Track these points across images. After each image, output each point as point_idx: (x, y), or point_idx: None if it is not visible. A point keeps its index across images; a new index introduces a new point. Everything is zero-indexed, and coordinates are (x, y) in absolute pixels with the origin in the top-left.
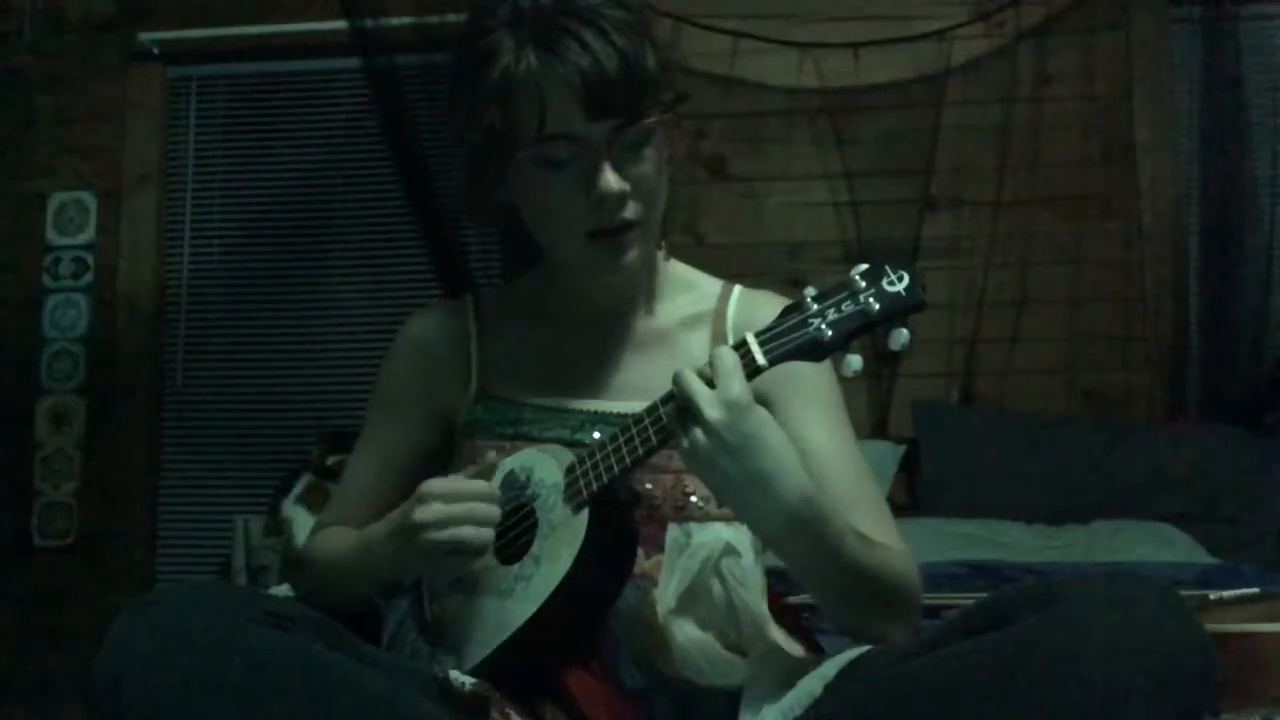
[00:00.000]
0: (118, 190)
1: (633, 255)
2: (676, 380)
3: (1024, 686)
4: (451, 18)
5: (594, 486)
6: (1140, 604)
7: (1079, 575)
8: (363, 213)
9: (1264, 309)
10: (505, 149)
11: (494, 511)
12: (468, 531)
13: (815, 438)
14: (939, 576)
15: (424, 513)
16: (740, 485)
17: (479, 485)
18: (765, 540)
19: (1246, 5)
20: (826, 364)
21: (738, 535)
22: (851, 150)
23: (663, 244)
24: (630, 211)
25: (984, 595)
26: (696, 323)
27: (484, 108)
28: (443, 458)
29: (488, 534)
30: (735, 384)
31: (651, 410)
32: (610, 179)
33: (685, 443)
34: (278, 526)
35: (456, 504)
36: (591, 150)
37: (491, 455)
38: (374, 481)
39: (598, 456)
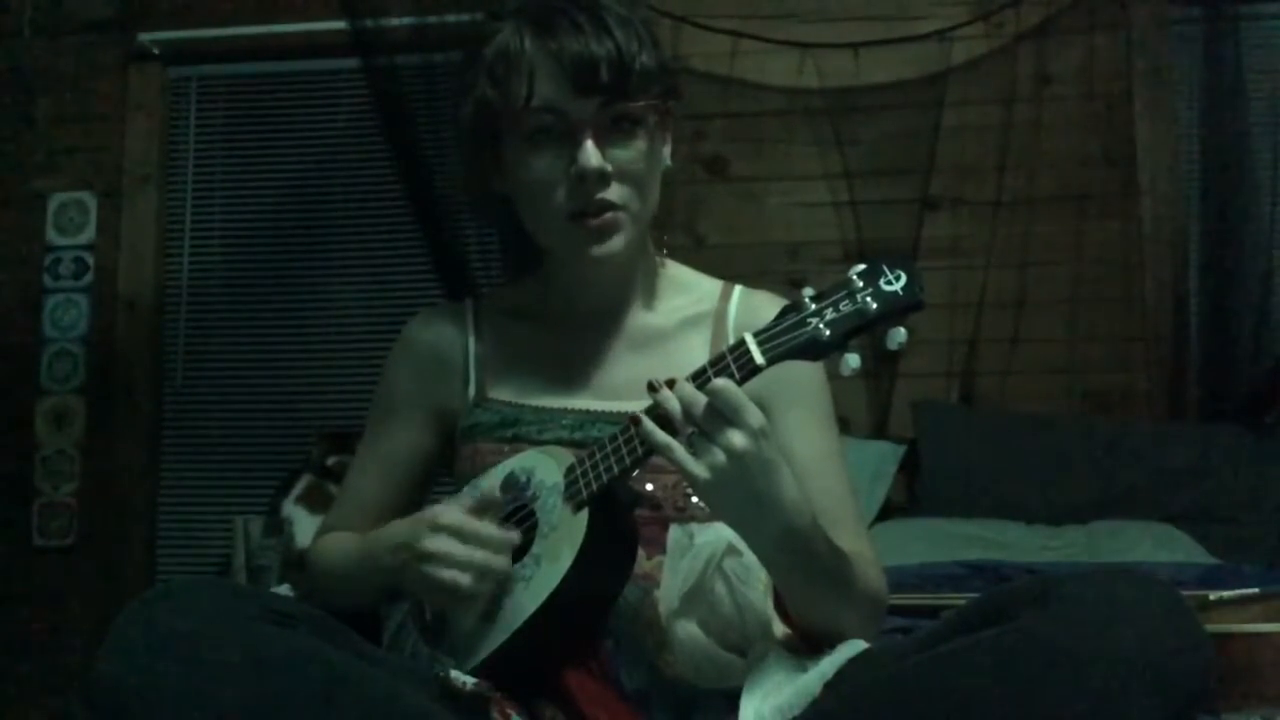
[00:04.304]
0: (118, 190)
1: (615, 243)
2: (717, 394)
3: (1022, 683)
4: (451, 18)
5: (594, 487)
6: (1137, 601)
7: (1076, 573)
8: (363, 213)
9: (1264, 309)
10: (496, 123)
11: (500, 564)
12: (464, 579)
13: (804, 448)
14: (939, 576)
15: (434, 543)
16: (748, 506)
17: (492, 534)
18: (758, 553)
19: (1246, 5)
20: (822, 372)
21: None
22: (851, 150)
23: (663, 250)
24: (612, 194)
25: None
26: (697, 323)
27: (477, 82)
28: (444, 460)
29: (485, 586)
30: (755, 411)
31: (651, 410)
32: (590, 155)
33: (702, 467)
34: (278, 526)
35: (469, 548)
36: (575, 126)
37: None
38: (376, 485)
39: (597, 457)
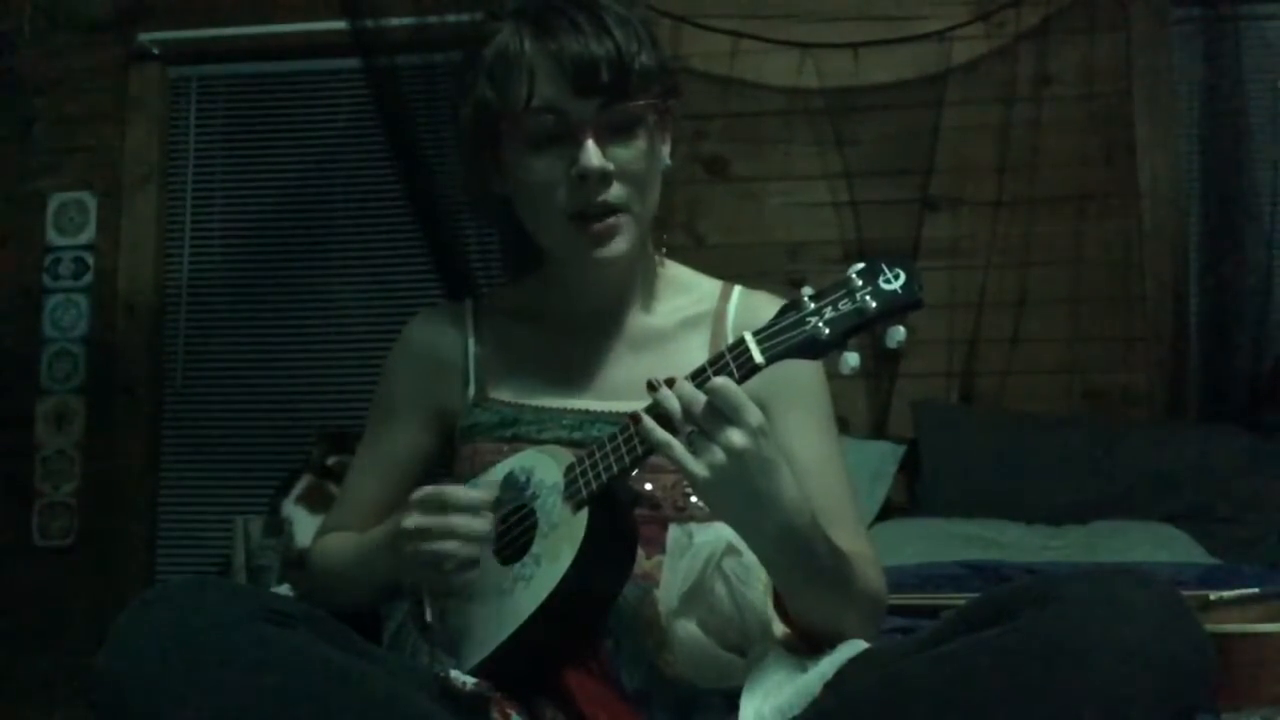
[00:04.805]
0: (118, 190)
1: (617, 244)
2: (716, 393)
3: (1022, 683)
4: (451, 18)
5: (593, 486)
6: (1137, 601)
7: (1077, 572)
8: (363, 213)
9: (1264, 309)
10: (496, 124)
11: (480, 525)
12: (450, 545)
13: (804, 448)
14: (938, 576)
15: (410, 520)
16: (747, 505)
17: (467, 496)
18: (758, 552)
19: (1246, 5)
20: (821, 372)
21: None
22: (851, 150)
23: (663, 249)
24: (614, 195)
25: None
26: (696, 323)
27: (477, 83)
28: (444, 461)
29: (472, 549)
30: (754, 409)
31: (651, 409)
32: (591, 154)
33: (701, 465)
34: (278, 526)
35: (439, 516)
36: (576, 126)
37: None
38: (375, 486)
39: (597, 456)
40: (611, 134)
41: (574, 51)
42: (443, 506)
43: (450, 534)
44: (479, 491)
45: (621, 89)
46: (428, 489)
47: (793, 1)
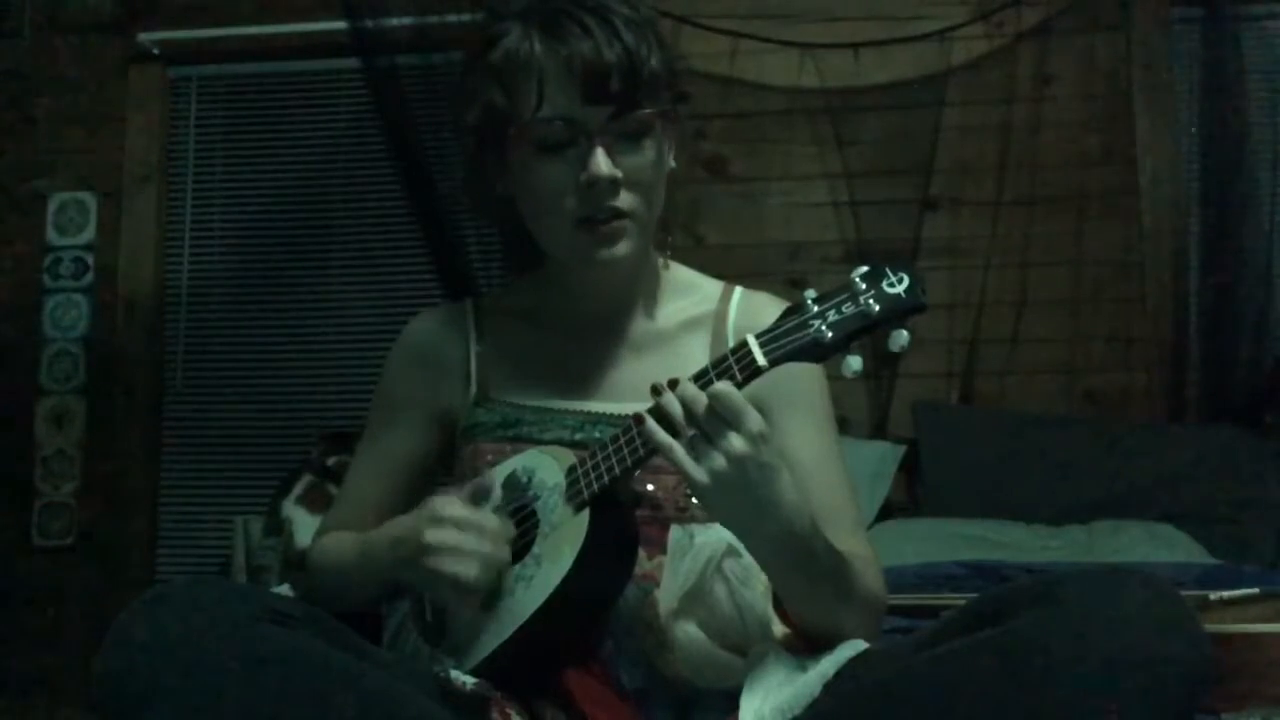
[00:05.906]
0: (118, 190)
1: (622, 248)
2: (717, 398)
3: (1022, 683)
4: (451, 18)
5: (595, 487)
6: (1137, 601)
7: (1076, 572)
8: (363, 213)
9: (1264, 309)
10: (503, 130)
11: (504, 557)
12: (474, 571)
13: (803, 449)
14: (939, 576)
15: (436, 535)
16: (747, 510)
17: (497, 526)
18: (757, 556)
19: (1246, 5)
20: (821, 374)
21: None
22: (851, 150)
23: (667, 251)
24: (622, 201)
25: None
26: (697, 325)
27: (485, 87)
28: (444, 461)
29: (491, 576)
30: (754, 415)
31: (653, 410)
32: (601, 163)
33: (702, 470)
34: (278, 526)
35: (472, 539)
36: (585, 134)
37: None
38: (376, 486)
39: (599, 457)
40: (620, 141)
41: (585, 58)
42: (469, 530)
43: (473, 557)
44: (508, 524)
45: (631, 96)
46: (458, 509)
47: (793, 1)
